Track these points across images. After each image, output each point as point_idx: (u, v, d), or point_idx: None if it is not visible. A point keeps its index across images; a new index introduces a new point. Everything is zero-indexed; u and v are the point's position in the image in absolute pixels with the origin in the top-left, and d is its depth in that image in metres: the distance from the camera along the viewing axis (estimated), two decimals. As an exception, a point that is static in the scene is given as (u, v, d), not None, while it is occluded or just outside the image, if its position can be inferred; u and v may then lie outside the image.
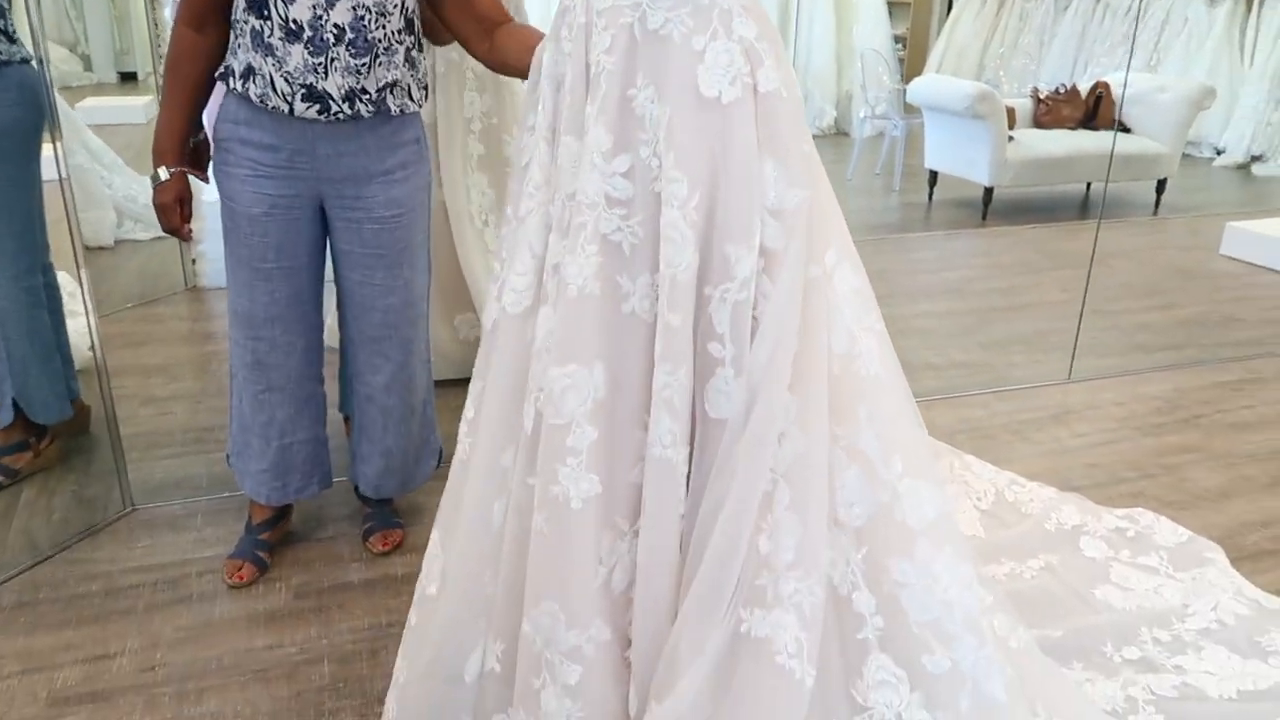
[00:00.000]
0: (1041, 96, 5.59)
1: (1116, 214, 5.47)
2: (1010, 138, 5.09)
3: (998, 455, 2.47)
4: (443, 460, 2.20)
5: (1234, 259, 4.27)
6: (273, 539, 2.05)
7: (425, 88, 1.86)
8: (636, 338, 1.31)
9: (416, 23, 1.79)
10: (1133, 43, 7.28)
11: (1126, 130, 5.61)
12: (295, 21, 1.64)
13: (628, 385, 1.31)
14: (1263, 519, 2.24)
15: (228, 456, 2.06)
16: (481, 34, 1.73)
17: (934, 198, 5.53)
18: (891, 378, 1.39)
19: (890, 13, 7.84)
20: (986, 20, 8.80)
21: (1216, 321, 3.55)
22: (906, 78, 8.12)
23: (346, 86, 1.69)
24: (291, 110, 1.69)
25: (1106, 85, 5.61)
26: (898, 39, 8.60)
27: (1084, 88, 5.74)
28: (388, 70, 1.73)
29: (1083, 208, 5.65)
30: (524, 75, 1.57)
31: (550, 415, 1.31)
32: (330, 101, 1.69)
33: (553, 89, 1.40)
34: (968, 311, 3.61)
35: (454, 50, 2.59)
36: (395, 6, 1.70)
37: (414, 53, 1.79)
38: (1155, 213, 5.49)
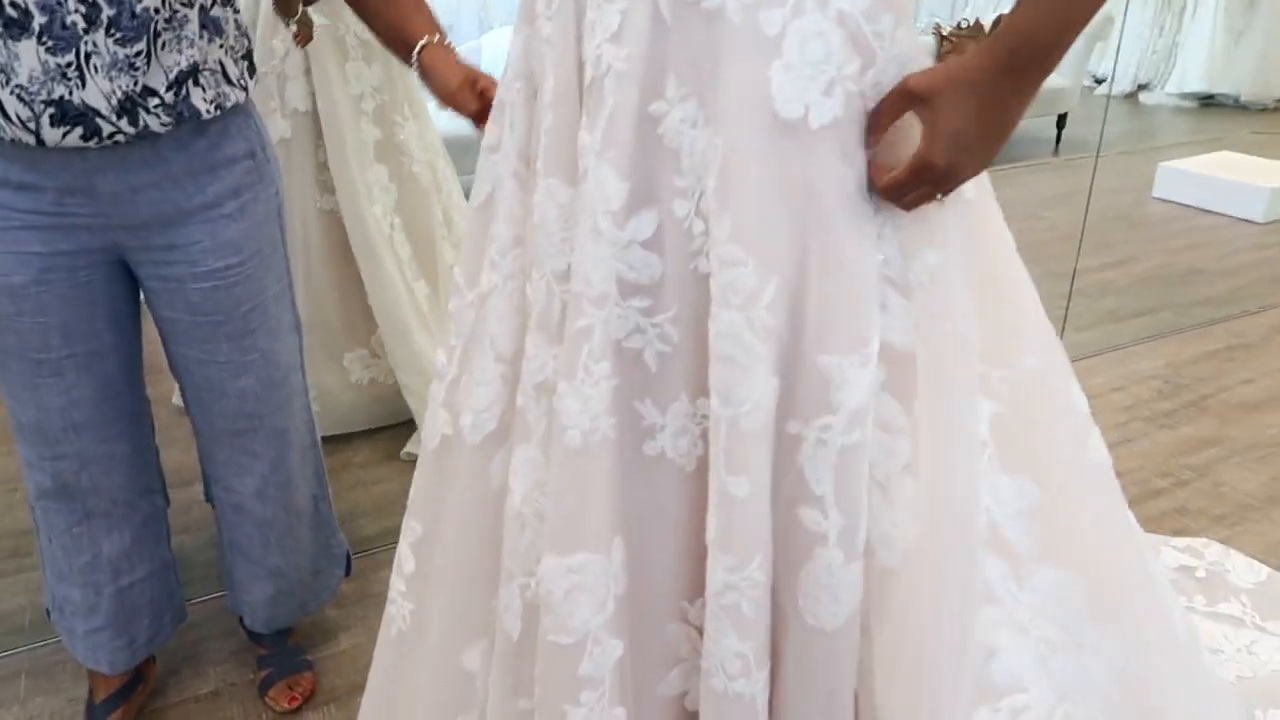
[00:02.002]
0: (945, 33, 5.28)
1: (1021, 155, 5.25)
2: (919, 79, 4.77)
3: (1013, 473, 2.12)
4: (351, 567, 1.67)
5: (1169, 201, 4.06)
6: (128, 716, 1.49)
7: (249, 59, 1.28)
8: (668, 493, 0.84)
9: None
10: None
11: (1026, 64, 5.38)
12: (16, 5, 1.04)
13: (657, 565, 0.85)
14: (1322, 529, 1.96)
15: (47, 610, 1.49)
16: None
17: (839, 147, 5.18)
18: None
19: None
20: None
21: (1179, 276, 3.30)
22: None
23: (120, 91, 1.11)
24: (40, 140, 1.11)
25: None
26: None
27: (982, 20, 5.47)
28: (180, 50, 1.15)
29: (987, 148, 5.40)
30: (382, 38, 1.20)
31: (552, 629, 0.83)
32: (97, 120, 1.11)
33: (526, 95, 0.89)
34: (921, 284, 3.25)
35: (321, 10, 1.99)
36: None
37: (219, 9, 1.21)
38: (1056, 150, 5.31)
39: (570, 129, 0.83)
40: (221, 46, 1.22)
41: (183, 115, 1.17)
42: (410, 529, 1.06)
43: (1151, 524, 1.96)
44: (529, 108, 0.88)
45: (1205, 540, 1.87)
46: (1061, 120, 5.36)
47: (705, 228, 0.79)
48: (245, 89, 1.27)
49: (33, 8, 1.05)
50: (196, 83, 1.18)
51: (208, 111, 1.20)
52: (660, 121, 0.79)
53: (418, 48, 1.20)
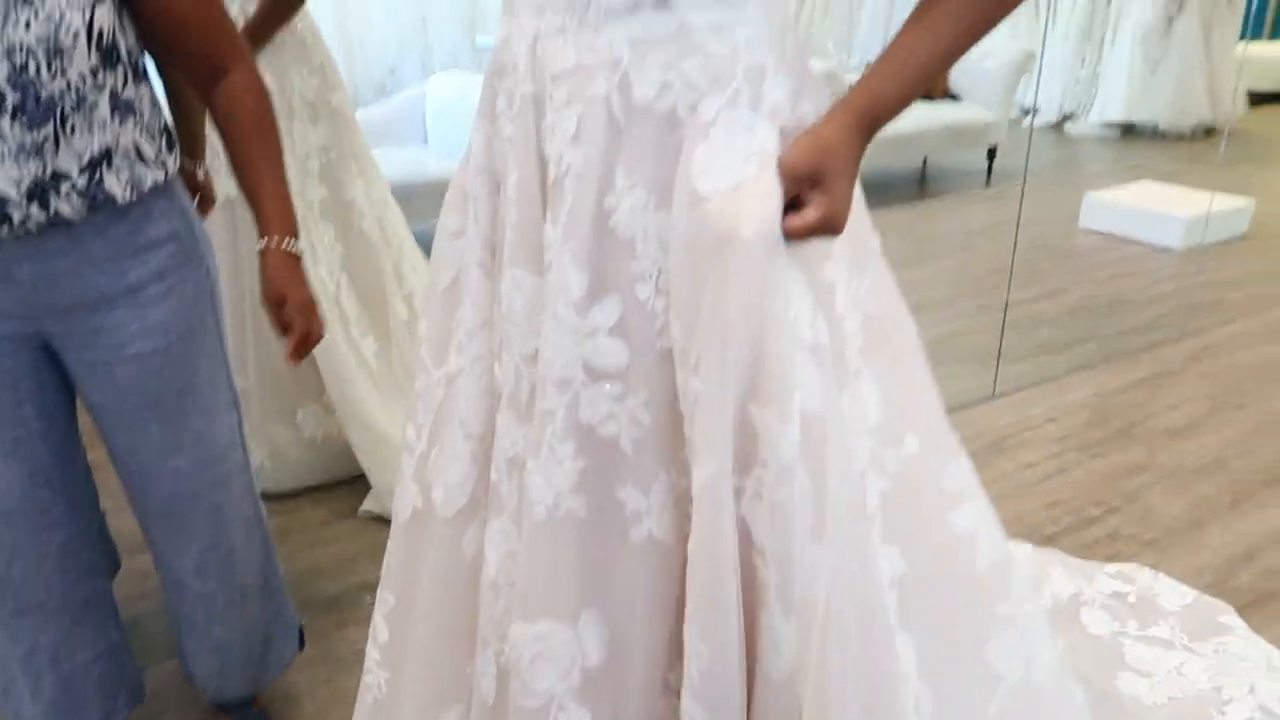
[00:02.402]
0: (877, 71, 5.44)
1: (952, 187, 5.42)
2: (853, 116, 4.91)
3: (954, 506, 2.20)
4: (304, 643, 1.68)
5: (1095, 231, 4.24)
6: None
7: (168, 135, 1.26)
8: (654, 572, 0.89)
9: (125, 45, 1.17)
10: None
11: (956, 99, 5.57)
12: None
13: (643, 641, 0.89)
14: (1244, 550, 2.07)
15: (-1, 689, 1.48)
16: (202, 80, 1.27)
17: (780, 182, 5.30)
18: None
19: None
20: (794, -12, 8.71)
21: (1105, 306, 3.45)
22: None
23: (29, 177, 1.10)
24: None
25: (938, 55, 5.52)
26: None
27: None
28: (91, 134, 1.13)
29: (921, 182, 5.57)
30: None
31: (520, 693, 0.88)
32: (7, 207, 1.10)
33: (489, 189, 0.94)
34: (862, 320, 3.35)
35: (268, 69, 2.02)
36: (74, 35, 1.08)
37: (131, 90, 1.18)
38: (988, 182, 5.49)
39: (535, 223, 0.88)
40: (136, 127, 1.19)
41: (97, 200, 1.15)
42: (384, 600, 1.10)
43: (1086, 550, 2.06)
44: (492, 200, 0.93)
45: (1136, 565, 1.96)
46: (992, 153, 5.54)
47: (666, 303, 0.85)
48: (165, 167, 1.24)
49: None
50: (110, 166, 1.16)
51: (124, 196, 1.18)
52: (613, 214, 0.85)
53: (260, 245, 1.25)
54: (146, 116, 1.21)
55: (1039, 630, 1.04)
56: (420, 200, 3.30)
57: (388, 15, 5.55)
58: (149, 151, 1.21)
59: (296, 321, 1.25)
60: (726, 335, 0.81)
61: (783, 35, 0.87)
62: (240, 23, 1.96)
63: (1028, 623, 1.01)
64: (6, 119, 1.07)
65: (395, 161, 3.65)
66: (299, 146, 2.13)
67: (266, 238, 1.25)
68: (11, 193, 1.09)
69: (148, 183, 1.21)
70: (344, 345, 2.17)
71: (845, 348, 0.90)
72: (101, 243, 1.19)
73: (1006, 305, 3.03)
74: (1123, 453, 2.46)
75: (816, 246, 0.86)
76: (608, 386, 0.85)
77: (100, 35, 1.12)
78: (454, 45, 5.47)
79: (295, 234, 1.27)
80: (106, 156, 1.16)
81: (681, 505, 0.88)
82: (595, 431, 0.86)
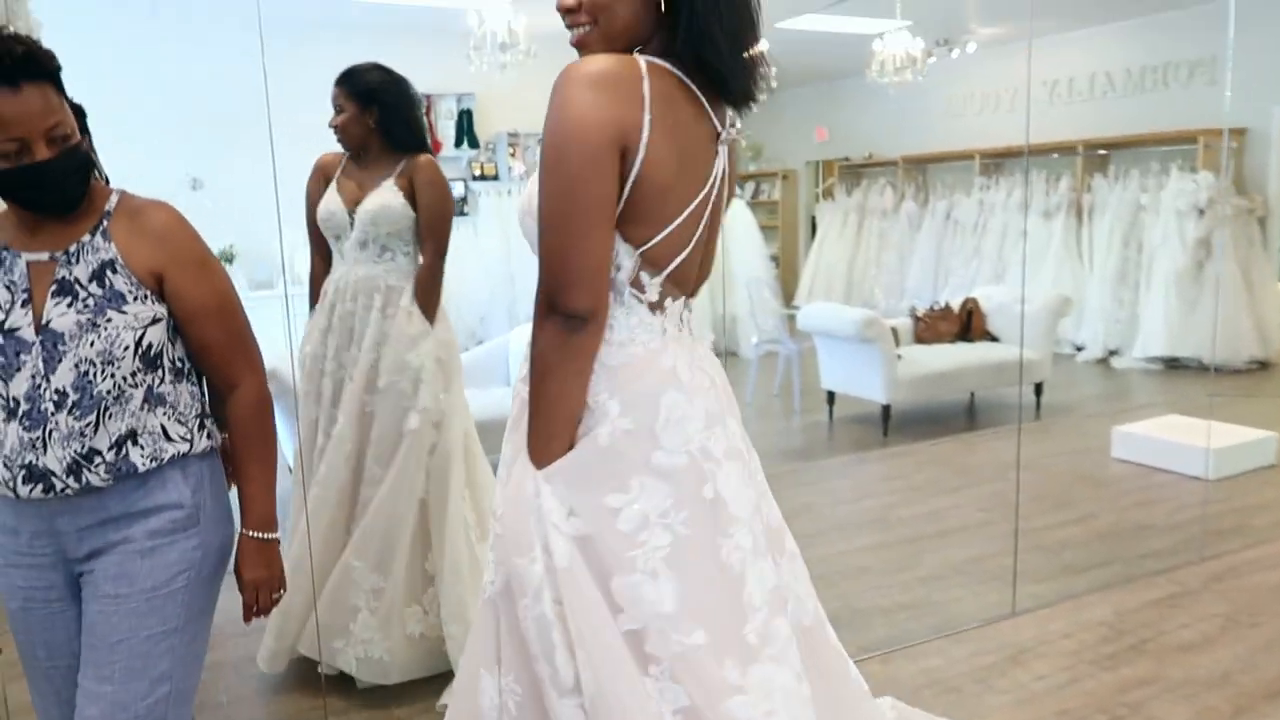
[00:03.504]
0: (919, 315, 5.95)
1: (1004, 420, 5.74)
2: (898, 356, 5.37)
3: (969, 711, 2.41)
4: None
5: (1126, 461, 4.50)
6: None
7: (202, 418, 1.54)
8: None
9: (170, 353, 1.49)
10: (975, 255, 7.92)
11: (995, 340, 6.00)
12: (14, 399, 1.39)
13: None
14: (1241, 757, 2.23)
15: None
16: (217, 387, 1.56)
17: (834, 416, 5.71)
18: None
19: (764, 237, 8.38)
20: (849, 240, 9.51)
21: (1130, 531, 3.67)
22: (784, 298, 8.59)
23: (69, 457, 1.40)
24: (16, 494, 1.42)
25: (976, 301, 6.03)
26: (773, 258, 9.17)
27: (950, 301, 6.16)
28: (121, 420, 1.43)
29: (970, 415, 5.92)
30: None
31: None
32: (52, 479, 1.40)
33: None
34: (898, 543, 3.63)
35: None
36: (127, 349, 1.41)
37: (167, 387, 1.48)
38: (1038, 415, 5.79)
39: None
40: (166, 414, 1.47)
41: (121, 471, 1.43)
42: None
43: (1089, 755, 2.24)
44: None
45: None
46: (1039, 388, 5.89)
47: None
48: (190, 443, 1.49)
49: (21, 399, 1.38)
50: (135, 443, 1.44)
51: (144, 465, 1.44)
52: None
53: (238, 533, 1.55)
54: (181, 406, 1.50)
55: None
56: (498, 435, 3.78)
57: (482, 271, 6.36)
58: (177, 431, 1.49)
59: (248, 594, 1.55)
60: None
61: None
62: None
63: None
64: (65, 413, 1.39)
65: (480, 402, 4.18)
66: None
67: (245, 527, 1.55)
68: (56, 469, 1.40)
69: (168, 454, 1.47)
70: (464, 548, 2.56)
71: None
72: (120, 503, 1.46)
73: (1017, 531, 3.29)
74: (1133, 666, 2.65)
75: None
76: None
77: (149, 348, 1.44)
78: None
79: (270, 527, 1.56)
80: (132, 435, 1.44)
81: None
82: None
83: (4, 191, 1.38)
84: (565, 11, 1.31)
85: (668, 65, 1.27)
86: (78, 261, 1.42)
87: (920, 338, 5.88)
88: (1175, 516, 3.79)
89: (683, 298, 1.37)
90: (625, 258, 1.29)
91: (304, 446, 2.65)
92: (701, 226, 1.33)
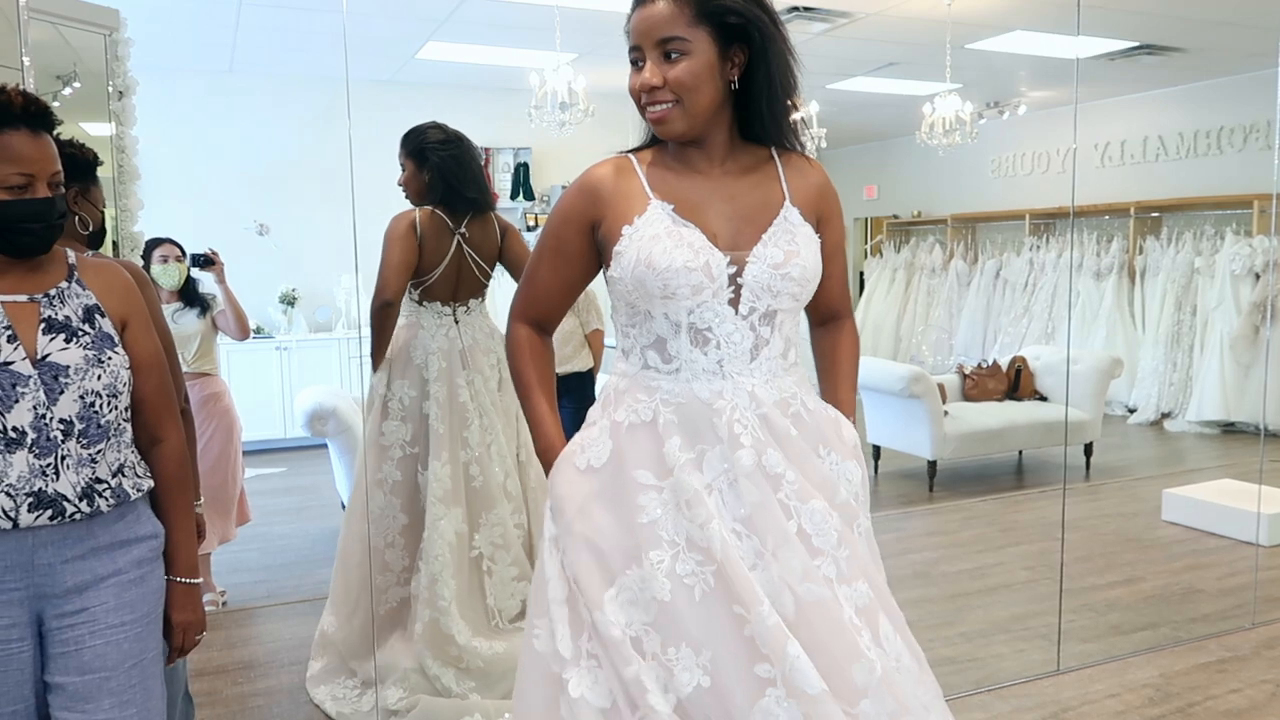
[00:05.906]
0: (967, 372, 5.95)
1: (1051, 479, 5.69)
2: (945, 412, 5.37)
3: (1010, 767, 2.41)
4: None
5: (1175, 524, 4.44)
6: None
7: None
8: None
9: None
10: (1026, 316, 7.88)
11: (1044, 399, 5.97)
12: (16, 429, 1.42)
13: None
14: (1288, 823, 2.20)
15: None
16: (142, 440, 1.62)
17: (879, 470, 5.71)
18: None
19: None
20: (897, 297, 9.54)
21: (1179, 594, 3.63)
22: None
23: (83, 482, 1.47)
24: (16, 524, 1.42)
25: (1024, 359, 6.02)
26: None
27: (999, 359, 6.15)
28: (118, 452, 1.53)
29: (1018, 473, 5.88)
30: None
31: None
32: (65, 503, 1.45)
33: None
34: (942, 598, 3.63)
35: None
36: (124, 384, 1.52)
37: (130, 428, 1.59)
38: (1087, 476, 5.73)
39: None
40: (134, 452, 1.56)
41: (120, 499, 1.50)
42: None
43: (1132, 815, 2.22)
44: None
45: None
46: (1089, 449, 5.83)
47: None
48: (149, 480, 1.58)
49: (26, 428, 1.41)
50: (124, 473, 1.53)
51: (133, 495, 1.53)
52: None
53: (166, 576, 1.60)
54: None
55: None
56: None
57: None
58: (143, 468, 1.57)
59: (176, 636, 1.61)
60: None
61: None
62: None
63: None
64: (74, 441, 1.46)
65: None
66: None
67: (174, 573, 1.60)
68: (70, 494, 1.45)
69: (145, 487, 1.57)
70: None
71: None
72: (106, 533, 1.50)
73: (1060, 589, 3.27)
74: (1180, 729, 2.62)
75: None
76: None
77: (130, 387, 1.54)
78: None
79: (195, 573, 1.62)
80: (122, 468, 1.53)
81: None
82: None
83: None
84: (647, 90, 1.36)
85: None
86: (62, 303, 1.50)
87: (968, 395, 5.87)
88: (1226, 581, 3.74)
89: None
90: None
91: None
92: None
